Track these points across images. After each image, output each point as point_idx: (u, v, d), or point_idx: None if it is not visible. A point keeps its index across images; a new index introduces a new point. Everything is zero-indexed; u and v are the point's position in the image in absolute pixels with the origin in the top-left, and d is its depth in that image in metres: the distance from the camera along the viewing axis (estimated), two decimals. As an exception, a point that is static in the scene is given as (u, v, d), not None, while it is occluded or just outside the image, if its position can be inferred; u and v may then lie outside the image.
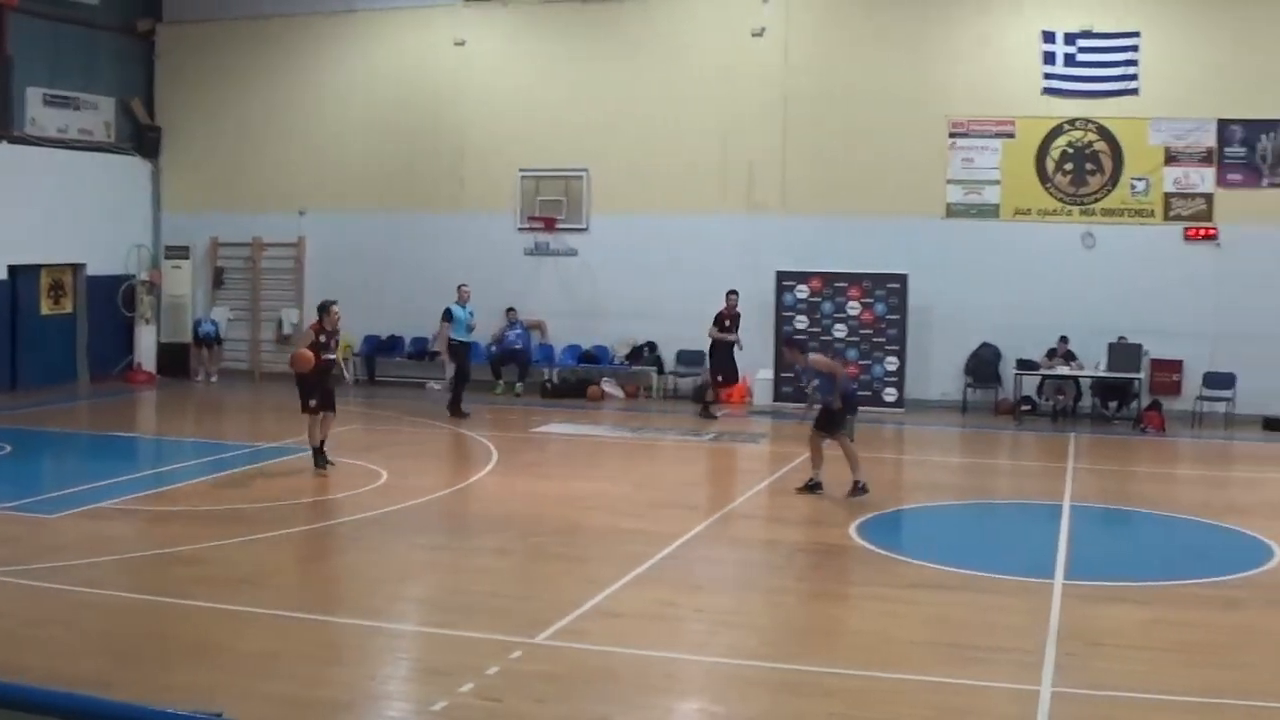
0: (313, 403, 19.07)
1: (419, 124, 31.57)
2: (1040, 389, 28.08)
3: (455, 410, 25.74)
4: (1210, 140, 27.66)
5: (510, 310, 29.86)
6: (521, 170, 30.85)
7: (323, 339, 19.32)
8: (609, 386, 29.97)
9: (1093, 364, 27.17)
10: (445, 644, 10.97)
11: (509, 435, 23.66)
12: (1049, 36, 28.12)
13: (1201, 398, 27.21)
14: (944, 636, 11.36)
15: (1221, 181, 27.63)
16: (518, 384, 29.64)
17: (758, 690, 10.09)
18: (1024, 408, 27.51)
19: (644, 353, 30.18)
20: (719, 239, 29.46)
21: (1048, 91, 28.26)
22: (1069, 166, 28.23)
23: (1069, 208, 28.27)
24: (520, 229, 30.96)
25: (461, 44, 31.29)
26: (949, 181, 28.67)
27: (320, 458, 19.13)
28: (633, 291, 29.91)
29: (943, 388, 28.51)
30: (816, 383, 18.23)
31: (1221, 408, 27.02)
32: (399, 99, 31.78)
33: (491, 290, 29.87)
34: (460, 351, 26.25)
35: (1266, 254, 27.18)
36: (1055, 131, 28.25)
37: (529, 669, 10.19)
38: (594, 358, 30.44)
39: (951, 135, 28.64)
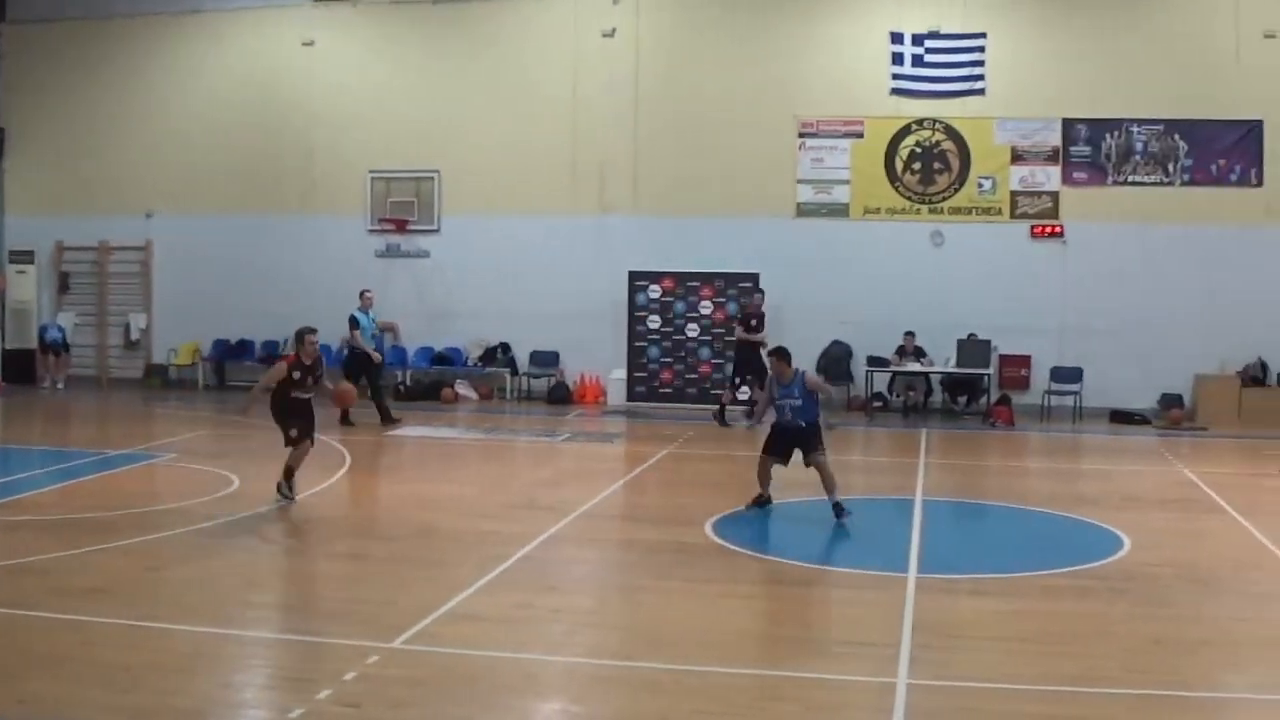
0: (293, 432, 16.97)
1: (268, 125, 31.26)
2: (891, 385, 28.38)
3: (387, 417, 25.31)
4: (1055, 139, 28.23)
5: (362, 313, 29.65)
6: (372, 172, 30.69)
7: (297, 375, 16.80)
8: (463, 388, 29.85)
9: (942, 360, 27.51)
10: (301, 651, 10.80)
11: (362, 439, 23.42)
12: (897, 37, 28.50)
13: (1050, 392, 27.74)
14: (801, 632, 11.41)
15: (1067, 180, 28.22)
16: (369, 387, 29.36)
17: (618, 689, 10.04)
18: (875, 404, 27.79)
19: (497, 354, 30.11)
20: (571, 239, 29.53)
21: (896, 92, 28.65)
22: (917, 166, 28.62)
23: (917, 206, 28.69)
24: (371, 231, 30.80)
25: (310, 44, 31.06)
26: (799, 181, 28.97)
27: (285, 487, 17.03)
28: (485, 293, 29.85)
29: (795, 386, 28.67)
30: (798, 404, 16.65)
31: (1069, 401, 27.52)
32: (247, 100, 31.44)
33: (342, 293, 29.56)
34: (365, 359, 25.56)
35: (1111, 251, 27.80)
36: (903, 131, 28.66)
37: (386, 674, 10.06)
38: (447, 360, 30.31)
39: (801, 135, 28.93)
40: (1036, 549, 15.38)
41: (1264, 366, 27.85)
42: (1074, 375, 27.87)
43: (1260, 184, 27.99)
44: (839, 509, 16.15)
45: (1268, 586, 13.49)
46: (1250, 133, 28.03)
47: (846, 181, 29.00)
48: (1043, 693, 9.97)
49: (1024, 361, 28.12)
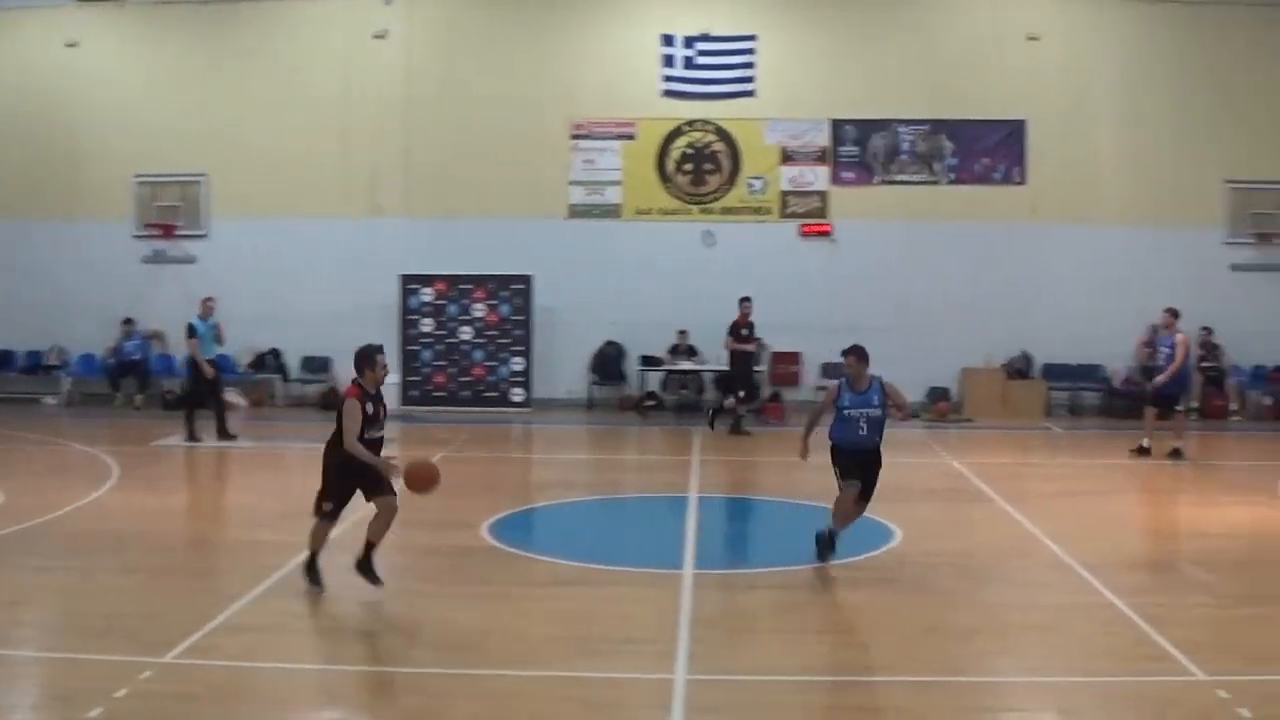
0: (328, 506, 12.84)
1: (30, 129, 30.32)
2: (664, 384, 28.54)
3: (224, 432, 23.88)
4: (824, 140, 28.65)
5: (127, 321, 28.93)
6: (137, 176, 29.95)
7: (369, 408, 12.68)
8: (232, 396, 29.19)
9: (714, 358, 27.71)
10: (70, 668, 10.48)
11: (130, 450, 22.84)
12: (668, 39, 28.65)
13: (820, 387, 28.05)
14: (579, 631, 11.38)
15: (835, 179, 28.64)
16: (137, 396, 28.72)
17: (399, 696, 9.94)
18: (649, 403, 27.92)
19: (267, 360, 29.60)
20: (342, 242, 29.19)
21: (667, 93, 28.82)
22: (689, 167, 28.83)
23: (689, 207, 28.90)
24: (137, 236, 30.05)
25: (74, 45, 30.18)
26: (571, 183, 28.98)
27: (369, 566, 12.64)
28: (255, 298, 29.25)
29: (569, 386, 28.75)
30: (877, 414, 13.99)
31: (839, 397, 27.84)
32: (8, 103, 30.49)
33: (108, 300, 28.99)
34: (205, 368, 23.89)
35: (879, 248, 28.35)
36: (675, 133, 28.84)
37: (159, 689, 9.81)
38: (216, 367, 29.67)
39: (573, 137, 28.95)
40: (810, 542, 15.57)
41: (1028, 359, 28.63)
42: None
43: (1023, 182, 28.79)
44: (829, 543, 13.76)
45: (1035, 573, 13.83)
46: (1014, 133, 28.79)
47: (618, 183, 29.11)
48: (819, 683, 10.11)
49: (794, 358, 28.48)
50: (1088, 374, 28.87)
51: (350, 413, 12.47)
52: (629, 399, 28.63)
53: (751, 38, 28.78)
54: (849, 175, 28.85)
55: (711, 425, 25.57)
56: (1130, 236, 28.61)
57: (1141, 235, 28.61)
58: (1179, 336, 22.33)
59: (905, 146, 28.89)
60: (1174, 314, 22.55)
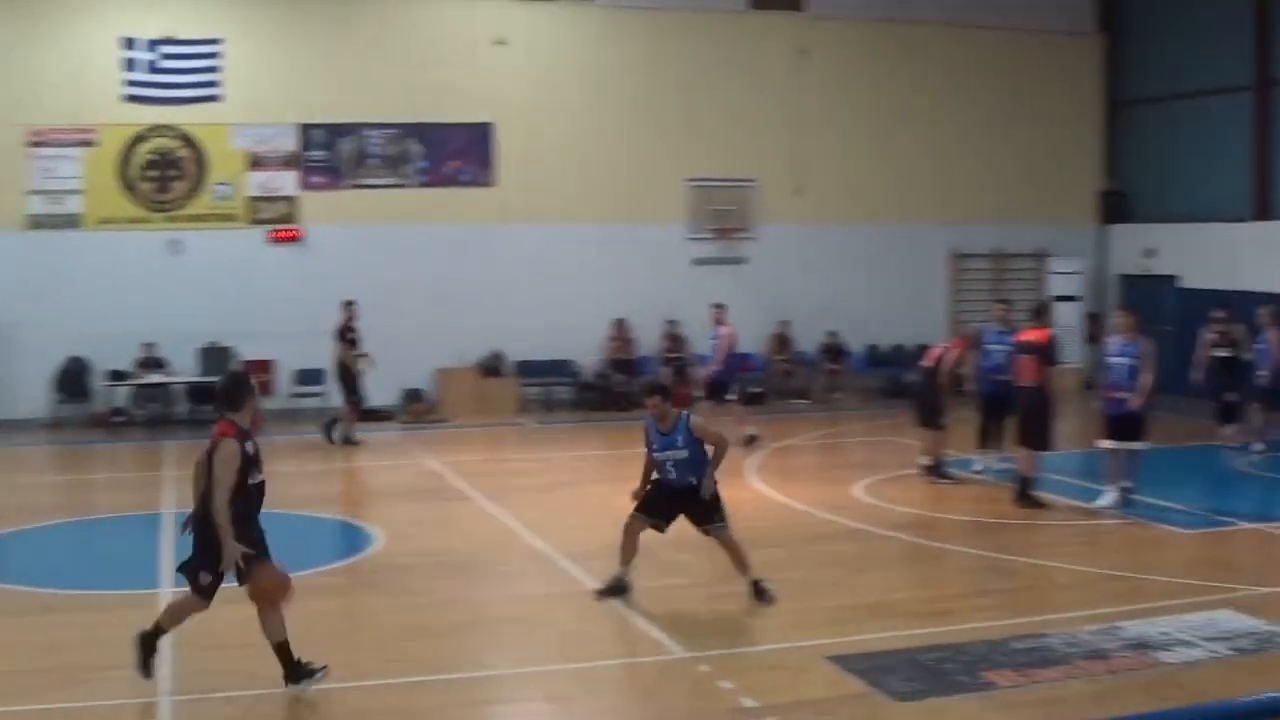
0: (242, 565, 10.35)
1: None
2: (134, 398, 27.77)
3: None
4: (292, 144, 28.41)
5: None
6: None
7: (250, 448, 10.24)
8: None
9: (186, 370, 27.17)
10: None
11: None
12: (129, 43, 27.80)
13: (294, 394, 27.92)
14: (53, 661, 11.02)
15: (305, 184, 28.47)
16: None
17: None
18: (116, 419, 27.07)
19: None
20: None
21: (130, 98, 27.92)
22: (153, 173, 28.08)
23: (154, 215, 28.13)
24: None
25: None
26: (29, 193, 27.70)
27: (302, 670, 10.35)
28: None
29: (30, 405, 27.50)
30: (683, 455, 12.76)
31: (314, 403, 27.74)
32: None
33: None
34: None
35: (351, 253, 28.37)
36: (138, 139, 28.00)
37: None
38: None
39: (31, 144, 27.69)
40: (289, 551, 15.42)
41: (500, 357, 29.16)
42: (317, 377, 28.10)
43: (492, 184, 29.33)
44: (760, 590, 12.95)
45: (516, 566, 14.23)
46: (482, 135, 29.29)
47: (80, 191, 28.05)
48: (308, 693, 10.09)
49: (268, 366, 28.16)
50: (558, 369, 29.68)
51: (228, 459, 9.90)
52: (96, 416, 27.67)
53: (217, 41, 28.26)
54: (319, 180, 28.71)
55: (329, 439, 24.62)
56: (598, 234, 29.59)
57: (609, 232, 29.64)
58: (724, 329, 24.10)
59: (374, 150, 28.99)
60: (720, 307, 24.48)
